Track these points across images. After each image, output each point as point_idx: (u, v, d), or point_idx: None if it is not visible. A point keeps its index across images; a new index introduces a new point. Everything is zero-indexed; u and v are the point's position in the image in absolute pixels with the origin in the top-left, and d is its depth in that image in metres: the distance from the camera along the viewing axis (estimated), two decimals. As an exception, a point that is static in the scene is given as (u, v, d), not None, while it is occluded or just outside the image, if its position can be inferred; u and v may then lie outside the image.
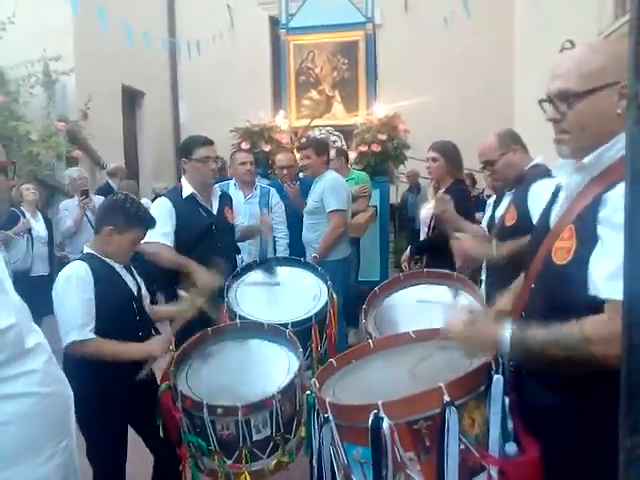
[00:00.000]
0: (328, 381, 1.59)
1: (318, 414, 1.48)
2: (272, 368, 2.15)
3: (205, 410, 1.90)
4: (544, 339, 1.21)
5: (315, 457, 1.55)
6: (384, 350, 1.68)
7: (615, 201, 1.17)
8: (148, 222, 2.34)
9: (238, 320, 2.43)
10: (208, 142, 3.07)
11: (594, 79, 1.26)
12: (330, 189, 4.05)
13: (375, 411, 1.24)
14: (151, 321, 2.42)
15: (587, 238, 1.20)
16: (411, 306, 2.36)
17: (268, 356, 2.23)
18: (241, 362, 2.21)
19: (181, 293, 2.41)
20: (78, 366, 2.09)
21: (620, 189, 1.16)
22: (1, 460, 1.41)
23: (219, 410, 1.90)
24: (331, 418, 1.37)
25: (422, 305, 2.29)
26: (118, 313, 2.18)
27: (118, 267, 2.29)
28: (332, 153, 5.32)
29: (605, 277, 1.15)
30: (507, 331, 1.26)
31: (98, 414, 2.13)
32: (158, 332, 2.41)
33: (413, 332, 1.67)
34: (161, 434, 2.14)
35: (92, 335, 2.09)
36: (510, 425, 1.30)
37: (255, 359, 2.23)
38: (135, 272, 2.43)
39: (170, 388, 2.08)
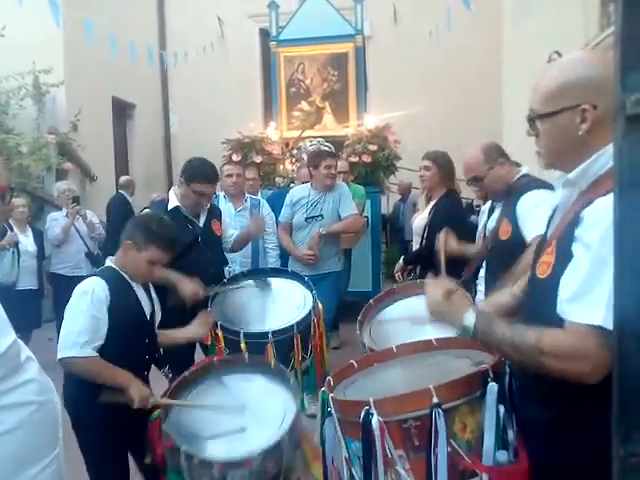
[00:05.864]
0: (346, 380, 1.65)
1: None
2: (266, 417, 2.03)
3: (182, 456, 1.85)
4: (502, 336, 1.24)
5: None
6: (406, 355, 1.73)
7: (589, 219, 1.17)
8: (169, 244, 2.24)
9: (246, 355, 2.35)
10: (210, 179, 3.01)
11: (554, 102, 1.28)
12: (346, 195, 4.27)
13: (367, 407, 1.29)
14: (157, 346, 2.38)
15: (564, 254, 1.21)
16: (407, 317, 2.35)
17: (267, 402, 2.11)
18: (239, 402, 2.09)
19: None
20: (78, 391, 2.07)
21: (596, 205, 1.17)
22: (3, 470, 1.41)
23: (195, 460, 1.84)
24: (333, 413, 1.45)
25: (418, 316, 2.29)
26: (127, 333, 2.12)
27: (135, 285, 2.23)
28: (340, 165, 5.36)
29: (567, 298, 1.16)
30: (472, 316, 1.30)
31: (99, 438, 2.09)
32: (157, 361, 2.38)
33: (435, 340, 1.71)
34: (148, 460, 2.08)
35: (93, 353, 2.03)
36: (511, 434, 1.30)
37: (253, 401, 2.11)
38: (152, 292, 2.37)
39: (160, 417, 2.02)
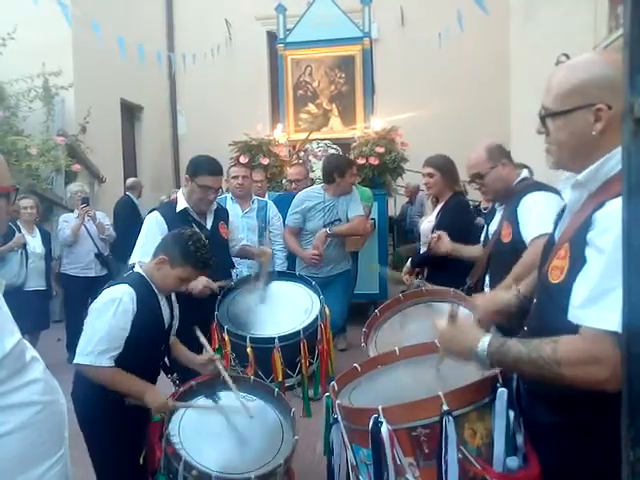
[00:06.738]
0: (350, 384, 1.64)
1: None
2: (265, 442, 2.07)
3: (181, 465, 1.88)
4: (519, 353, 1.21)
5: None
6: (410, 357, 1.71)
7: (601, 222, 1.15)
8: (202, 266, 2.27)
9: (252, 377, 2.37)
10: (215, 172, 3.01)
11: (569, 100, 1.26)
12: (356, 197, 4.36)
13: (375, 415, 1.27)
14: (169, 353, 2.39)
15: (578, 258, 1.19)
16: (413, 327, 2.34)
17: (267, 429, 2.14)
18: (241, 422, 2.11)
19: (198, 333, 2.35)
20: (88, 391, 2.08)
21: (607, 208, 1.15)
22: (7, 470, 1.41)
23: (194, 472, 1.87)
24: (340, 420, 1.44)
25: (424, 325, 2.27)
26: (145, 342, 2.13)
27: (160, 296, 2.25)
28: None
29: (580, 303, 1.14)
30: (485, 342, 1.27)
31: (108, 438, 2.10)
32: (166, 367, 2.38)
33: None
34: (140, 460, 2.09)
35: (110, 363, 2.04)
36: (520, 439, 1.29)
37: (255, 425, 2.13)
38: (174, 302, 2.38)
39: (162, 420, 2.04)
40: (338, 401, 1.47)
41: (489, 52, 9.20)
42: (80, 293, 5.16)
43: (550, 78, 1.33)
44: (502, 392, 1.28)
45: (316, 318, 2.69)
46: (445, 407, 1.23)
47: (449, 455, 1.22)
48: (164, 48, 10.04)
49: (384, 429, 1.25)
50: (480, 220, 4.86)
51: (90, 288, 4.86)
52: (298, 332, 2.60)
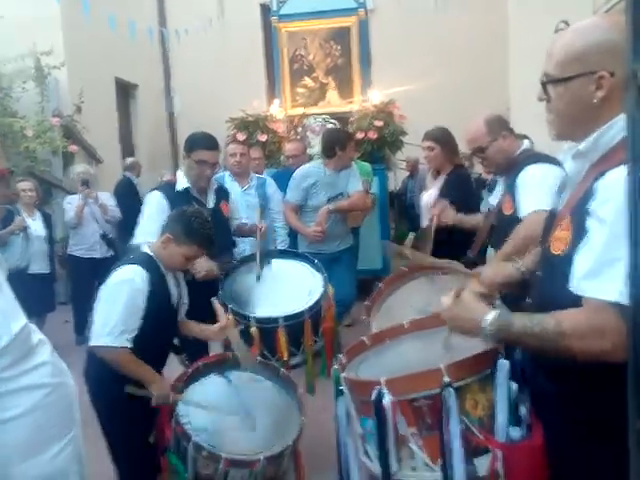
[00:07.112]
0: (358, 358, 1.67)
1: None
2: (273, 424, 2.11)
3: (191, 445, 1.91)
4: (522, 329, 1.22)
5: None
6: (418, 331, 1.73)
7: (602, 192, 1.15)
8: (208, 243, 2.29)
9: (258, 358, 2.41)
10: (211, 146, 3.00)
11: (570, 67, 1.24)
12: (355, 172, 4.36)
13: (378, 387, 1.31)
14: (178, 333, 2.42)
15: (579, 229, 1.19)
16: (417, 299, 2.34)
17: (275, 410, 2.18)
18: (249, 402, 2.16)
19: (214, 303, 2.36)
20: (100, 370, 2.11)
21: (609, 178, 1.14)
22: (18, 452, 1.43)
23: (204, 452, 1.90)
24: (346, 391, 1.48)
25: (428, 297, 2.27)
26: (156, 322, 2.15)
27: (168, 276, 2.27)
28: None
29: (583, 275, 1.14)
30: (489, 317, 1.27)
31: (121, 417, 2.13)
32: (175, 347, 2.42)
33: None
34: (151, 439, 2.14)
35: (128, 344, 2.06)
36: (523, 410, 1.31)
37: (261, 404, 2.18)
38: (182, 281, 2.40)
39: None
40: (344, 374, 1.49)
41: (487, 22, 9.02)
42: (86, 274, 5.19)
43: (552, 44, 1.31)
44: (502, 364, 1.30)
45: (320, 297, 2.71)
46: (446, 379, 1.25)
47: (451, 425, 1.24)
48: (155, 24, 9.84)
49: (386, 400, 1.29)
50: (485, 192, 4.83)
51: (96, 269, 4.89)
52: (302, 312, 2.62)
